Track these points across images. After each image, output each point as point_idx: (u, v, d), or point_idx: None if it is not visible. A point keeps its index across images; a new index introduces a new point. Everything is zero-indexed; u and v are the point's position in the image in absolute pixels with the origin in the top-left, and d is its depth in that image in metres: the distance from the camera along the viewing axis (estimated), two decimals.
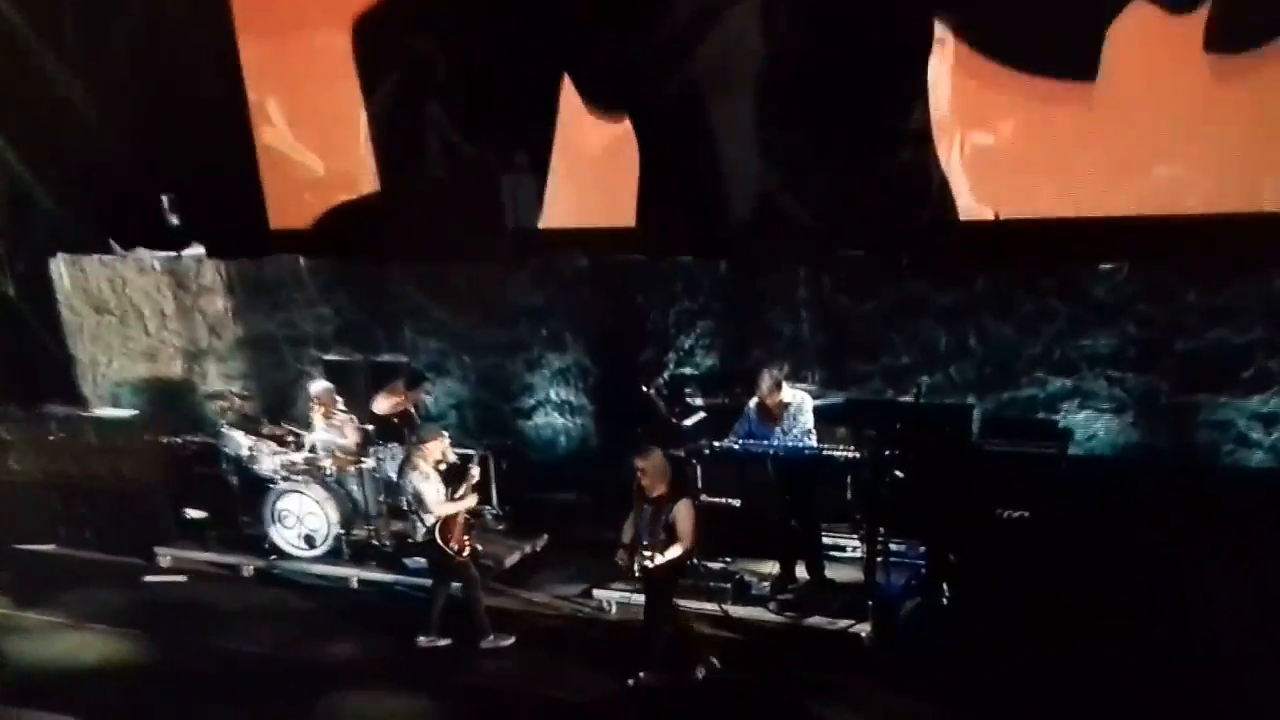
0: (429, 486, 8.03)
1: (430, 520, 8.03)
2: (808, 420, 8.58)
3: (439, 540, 8.04)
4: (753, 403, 8.69)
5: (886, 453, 8.14)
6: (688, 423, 9.18)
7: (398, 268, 11.56)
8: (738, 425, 8.73)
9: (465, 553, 8.12)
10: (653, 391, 9.24)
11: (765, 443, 8.55)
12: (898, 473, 8.07)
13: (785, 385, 8.57)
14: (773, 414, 8.58)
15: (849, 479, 8.27)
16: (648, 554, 7.09)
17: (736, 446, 8.57)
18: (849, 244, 9.93)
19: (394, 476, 8.46)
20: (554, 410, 11.40)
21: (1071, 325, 9.49)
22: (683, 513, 7.13)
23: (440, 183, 11.27)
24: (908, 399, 9.43)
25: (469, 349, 11.60)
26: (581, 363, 11.21)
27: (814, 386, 9.47)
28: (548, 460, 11.28)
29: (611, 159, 10.54)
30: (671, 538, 7.13)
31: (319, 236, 11.83)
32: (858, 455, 8.21)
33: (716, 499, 8.48)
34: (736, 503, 8.48)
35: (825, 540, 8.80)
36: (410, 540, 9.03)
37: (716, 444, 8.65)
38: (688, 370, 10.52)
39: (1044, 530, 8.21)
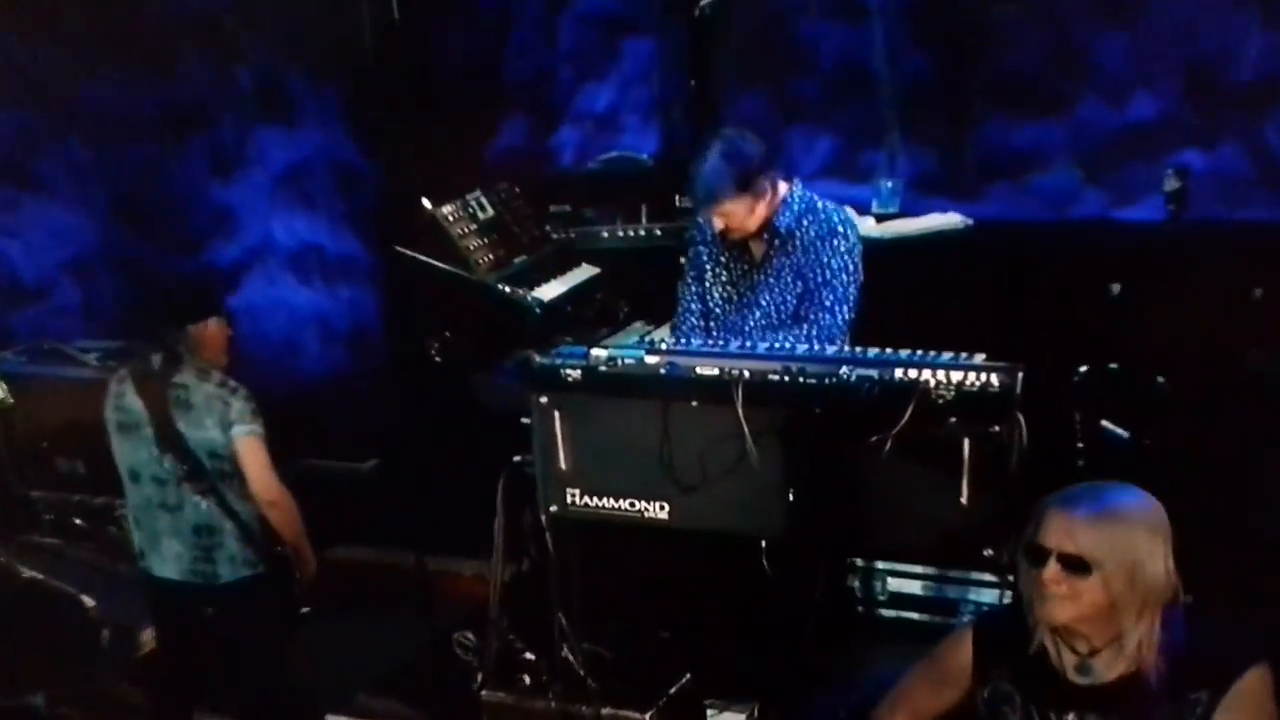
0: (256, 430, 4.43)
1: (248, 511, 4.48)
2: (840, 284, 4.36)
3: (282, 552, 4.57)
4: (706, 230, 4.60)
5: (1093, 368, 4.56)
6: (544, 294, 5.55)
7: None
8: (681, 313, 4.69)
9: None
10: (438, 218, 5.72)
11: (742, 345, 4.25)
12: (1111, 427, 4.50)
13: (787, 182, 4.38)
14: (752, 259, 4.53)
15: (963, 445, 3.74)
16: None
17: (657, 360, 4.16)
18: None
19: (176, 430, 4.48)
20: (285, 269, 7.60)
21: None
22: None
23: None
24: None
25: (76, 120, 7.13)
26: (335, 153, 7.45)
27: (890, 183, 5.50)
28: (278, 384, 7.20)
29: None
30: None
31: None
32: (998, 383, 3.67)
33: (605, 503, 4.25)
34: (661, 512, 4.20)
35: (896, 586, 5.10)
36: None
37: (606, 354, 4.21)
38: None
39: None
